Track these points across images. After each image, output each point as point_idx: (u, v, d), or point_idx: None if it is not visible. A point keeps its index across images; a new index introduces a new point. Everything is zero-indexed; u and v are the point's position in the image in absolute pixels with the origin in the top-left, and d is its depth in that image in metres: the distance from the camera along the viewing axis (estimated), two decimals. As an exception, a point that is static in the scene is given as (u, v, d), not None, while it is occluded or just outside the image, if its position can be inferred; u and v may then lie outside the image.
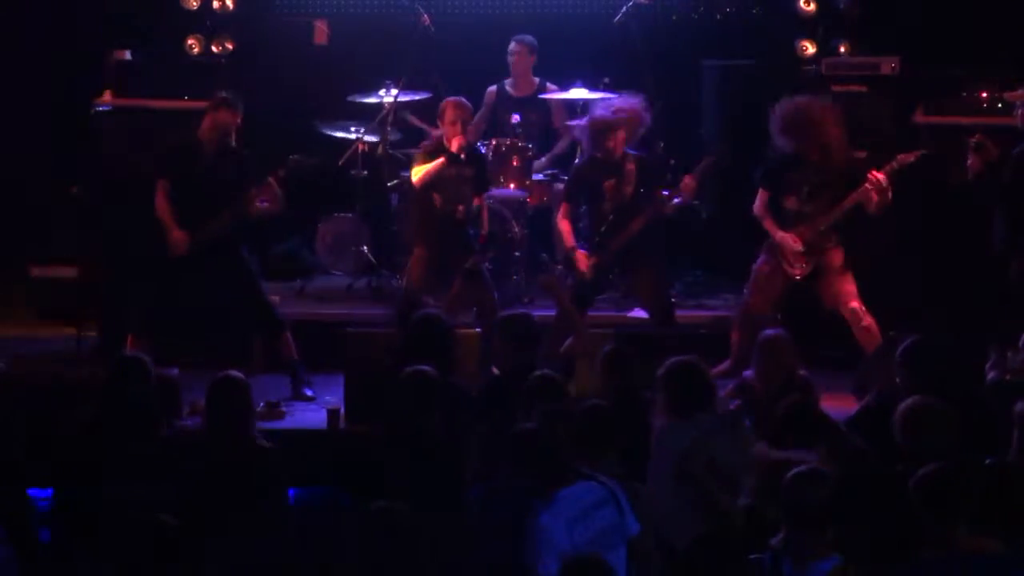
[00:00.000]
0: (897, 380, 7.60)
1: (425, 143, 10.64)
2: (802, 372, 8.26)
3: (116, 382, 7.51)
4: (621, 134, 10.00)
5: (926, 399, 6.78)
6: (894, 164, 9.59)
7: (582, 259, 9.99)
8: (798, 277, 9.80)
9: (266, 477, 7.05)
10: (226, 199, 9.65)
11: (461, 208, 10.21)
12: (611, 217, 10.05)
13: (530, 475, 6.29)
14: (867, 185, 9.53)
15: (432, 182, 10.20)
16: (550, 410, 6.78)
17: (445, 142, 10.21)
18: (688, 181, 10.00)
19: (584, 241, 10.15)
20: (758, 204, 9.90)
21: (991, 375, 7.87)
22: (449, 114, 10.20)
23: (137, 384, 7.45)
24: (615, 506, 6.24)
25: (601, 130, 10.01)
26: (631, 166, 10.05)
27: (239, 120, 9.71)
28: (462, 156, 10.18)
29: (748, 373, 8.40)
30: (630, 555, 6.29)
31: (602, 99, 10.59)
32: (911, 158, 9.59)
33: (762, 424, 7.95)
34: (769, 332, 8.45)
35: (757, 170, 9.96)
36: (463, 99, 10.36)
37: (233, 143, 9.77)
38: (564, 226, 10.14)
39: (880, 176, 9.51)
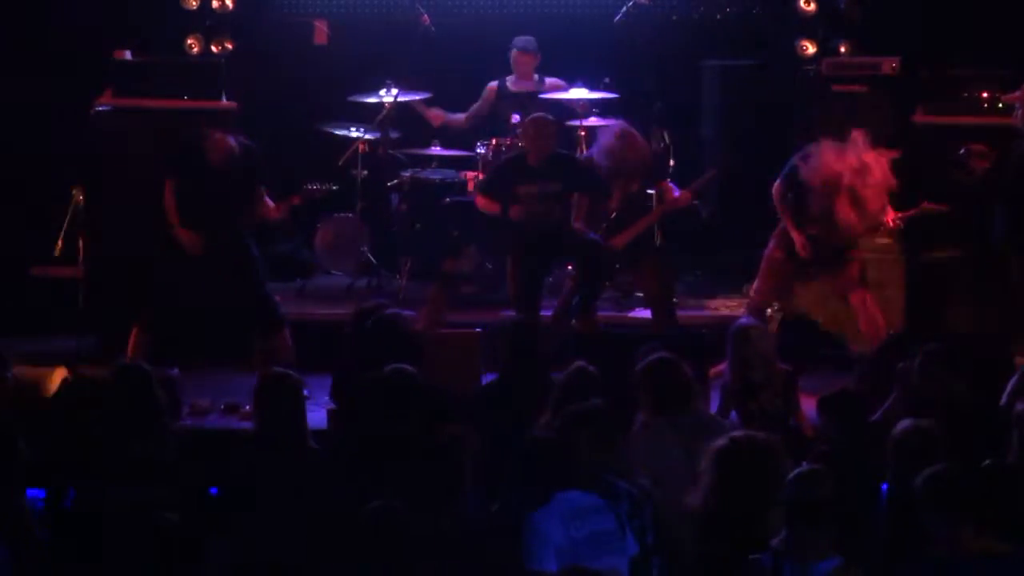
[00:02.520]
0: (918, 385, 7.58)
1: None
2: (783, 367, 8.27)
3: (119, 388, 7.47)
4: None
5: (918, 423, 6.76)
6: (917, 212, 9.60)
7: None
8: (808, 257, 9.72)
9: (315, 479, 6.99)
10: (233, 197, 9.67)
11: (550, 220, 10.02)
12: (615, 213, 10.06)
13: (541, 481, 6.27)
14: (886, 224, 9.54)
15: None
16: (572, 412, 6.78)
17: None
18: (685, 195, 9.99)
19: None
20: (777, 191, 9.78)
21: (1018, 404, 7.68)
22: (527, 130, 10.14)
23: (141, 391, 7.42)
24: (615, 518, 6.21)
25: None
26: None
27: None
28: (533, 166, 10.03)
29: (722, 366, 8.41)
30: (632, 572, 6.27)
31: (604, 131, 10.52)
32: (936, 209, 9.59)
33: (740, 416, 8.02)
34: (743, 321, 8.45)
35: (787, 162, 9.80)
36: (545, 115, 10.23)
37: (243, 141, 9.80)
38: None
39: (899, 220, 9.52)
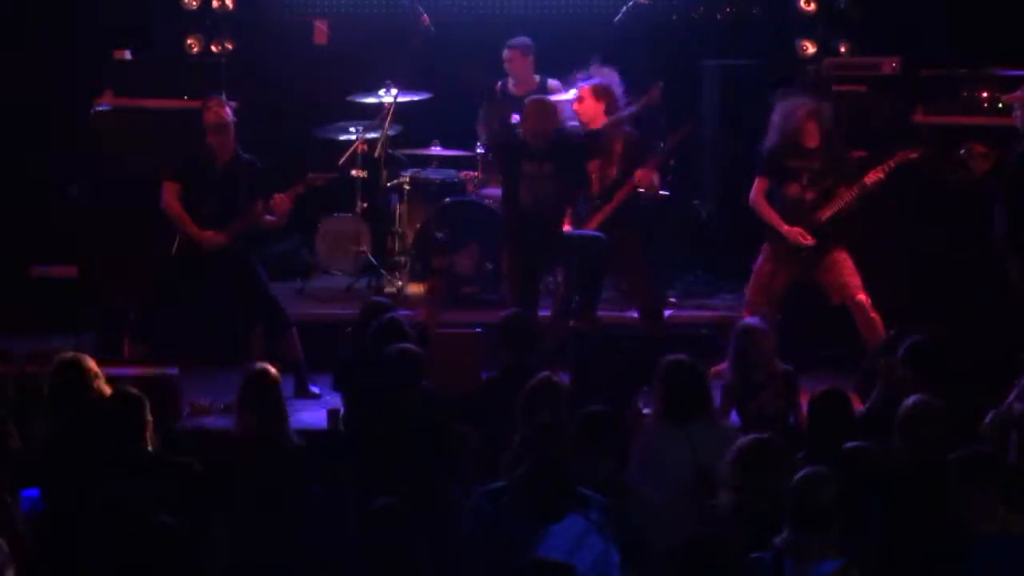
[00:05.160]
0: (902, 377, 7.60)
1: None
2: (785, 367, 8.26)
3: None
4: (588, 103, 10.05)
5: (925, 399, 6.78)
6: (895, 160, 9.61)
7: None
8: (810, 243, 9.71)
9: (296, 475, 7.02)
10: (234, 209, 9.67)
11: (545, 204, 9.94)
12: (597, 199, 10.06)
13: (540, 502, 6.25)
14: (868, 182, 9.56)
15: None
16: (544, 423, 6.75)
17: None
18: (647, 170, 10.02)
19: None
20: (755, 193, 9.83)
21: (1018, 404, 7.68)
22: (527, 111, 10.08)
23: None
24: (600, 536, 6.18)
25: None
26: (619, 145, 10.07)
27: (224, 115, 9.68)
28: (531, 147, 9.96)
29: (722, 366, 8.41)
30: None
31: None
32: (912, 155, 9.61)
33: (740, 416, 8.03)
34: (746, 321, 8.46)
35: (757, 158, 9.91)
36: (544, 97, 10.27)
37: (243, 153, 9.78)
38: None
39: (880, 173, 9.54)
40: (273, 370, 7.35)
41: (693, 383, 7.24)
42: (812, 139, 9.66)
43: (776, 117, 9.75)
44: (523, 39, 11.49)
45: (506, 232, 10.24)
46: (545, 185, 9.96)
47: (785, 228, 9.72)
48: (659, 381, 7.27)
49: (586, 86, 10.25)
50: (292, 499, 6.89)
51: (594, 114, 10.18)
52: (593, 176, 10.10)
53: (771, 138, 9.79)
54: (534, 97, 10.24)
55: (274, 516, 6.80)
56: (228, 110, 9.74)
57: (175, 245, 9.73)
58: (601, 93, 10.23)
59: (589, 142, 10.11)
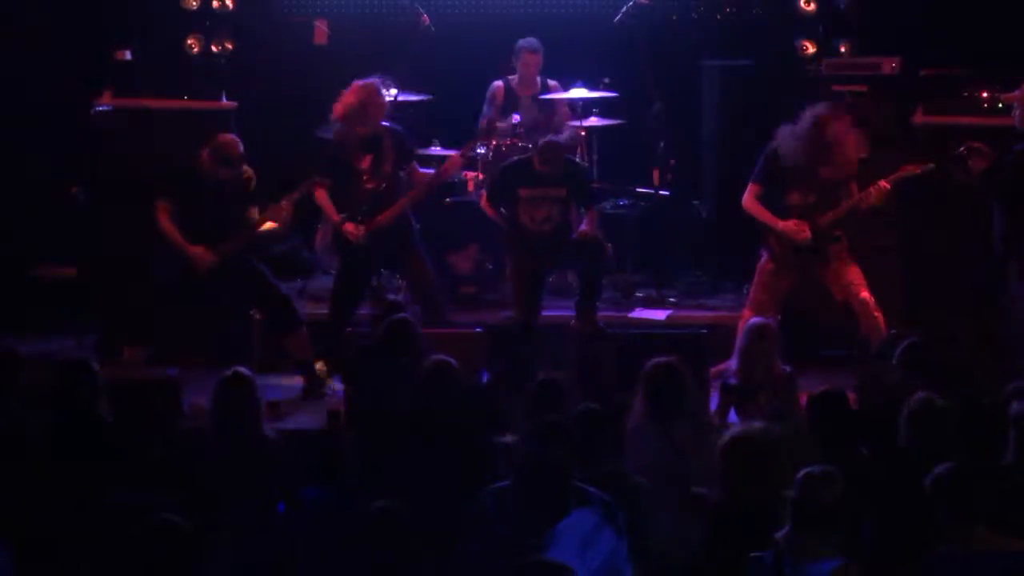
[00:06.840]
0: (896, 378, 7.62)
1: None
2: (785, 367, 8.27)
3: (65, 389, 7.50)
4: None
5: (930, 397, 6.79)
6: (900, 175, 9.58)
7: (351, 229, 9.95)
8: (807, 237, 9.67)
9: (273, 472, 7.05)
10: (230, 220, 9.65)
11: (548, 225, 10.08)
12: (371, 194, 10.02)
13: (539, 504, 6.24)
14: (872, 194, 9.51)
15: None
16: (542, 424, 6.76)
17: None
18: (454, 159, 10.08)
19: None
20: (748, 198, 9.78)
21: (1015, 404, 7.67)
22: (543, 153, 10.12)
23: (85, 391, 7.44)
24: (612, 530, 6.20)
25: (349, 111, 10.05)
26: (388, 141, 10.09)
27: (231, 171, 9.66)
28: (538, 171, 10.06)
29: (723, 366, 8.42)
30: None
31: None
32: (917, 170, 9.57)
33: (739, 415, 8.04)
34: (757, 320, 8.47)
35: (757, 162, 9.89)
36: (557, 141, 10.28)
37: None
38: (322, 199, 10.06)
39: (886, 186, 9.51)
40: (247, 372, 7.36)
41: (672, 384, 7.31)
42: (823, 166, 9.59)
43: (800, 131, 9.63)
44: (537, 41, 11.48)
45: (509, 236, 10.26)
46: (550, 208, 10.07)
47: (780, 225, 9.68)
48: (642, 382, 7.34)
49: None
50: (267, 496, 6.95)
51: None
52: (366, 173, 10.06)
53: (783, 150, 9.65)
54: (548, 142, 10.16)
55: (252, 514, 6.85)
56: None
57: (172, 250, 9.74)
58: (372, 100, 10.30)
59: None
